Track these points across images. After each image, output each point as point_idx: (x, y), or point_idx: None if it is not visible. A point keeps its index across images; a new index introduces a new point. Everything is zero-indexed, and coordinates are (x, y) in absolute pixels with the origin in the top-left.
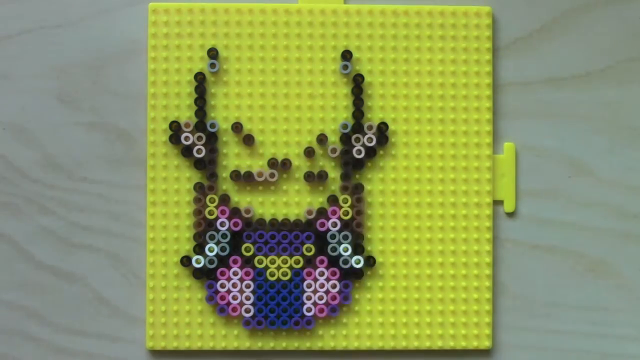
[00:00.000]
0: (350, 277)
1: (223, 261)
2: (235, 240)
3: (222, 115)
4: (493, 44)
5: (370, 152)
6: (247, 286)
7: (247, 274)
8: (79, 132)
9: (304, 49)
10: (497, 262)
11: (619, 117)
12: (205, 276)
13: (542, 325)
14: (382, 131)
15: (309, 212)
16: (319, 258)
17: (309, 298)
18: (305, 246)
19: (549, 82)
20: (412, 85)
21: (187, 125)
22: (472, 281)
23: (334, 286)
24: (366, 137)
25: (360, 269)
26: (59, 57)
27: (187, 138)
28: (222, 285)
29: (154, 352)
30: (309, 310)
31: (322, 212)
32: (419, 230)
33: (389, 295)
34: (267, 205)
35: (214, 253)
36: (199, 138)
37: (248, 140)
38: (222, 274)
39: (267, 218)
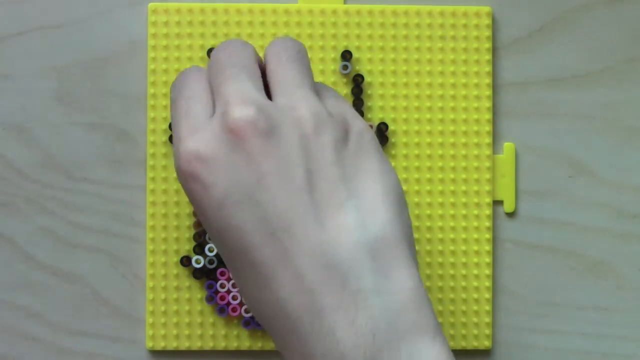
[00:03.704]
0: None
1: (223, 261)
2: None
3: None
4: (493, 44)
5: None
6: None
7: None
8: (79, 132)
9: None
10: (496, 262)
11: (619, 117)
12: (205, 276)
13: (542, 325)
14: (382, 131)
15: None
16: None
17: None
18: None
19: (549, 82)
20: (412, 85)
21: None
22: (471, 281)
23: None
24: None
25: None
26: (59, 57)
27: None
28: (222, 286)
29: (154, 352)
30: None
31: None
32: (419, 231)
33: None
34: None
35: (213, 253)
36: None
37: None
38: (222, 274)
39: None
